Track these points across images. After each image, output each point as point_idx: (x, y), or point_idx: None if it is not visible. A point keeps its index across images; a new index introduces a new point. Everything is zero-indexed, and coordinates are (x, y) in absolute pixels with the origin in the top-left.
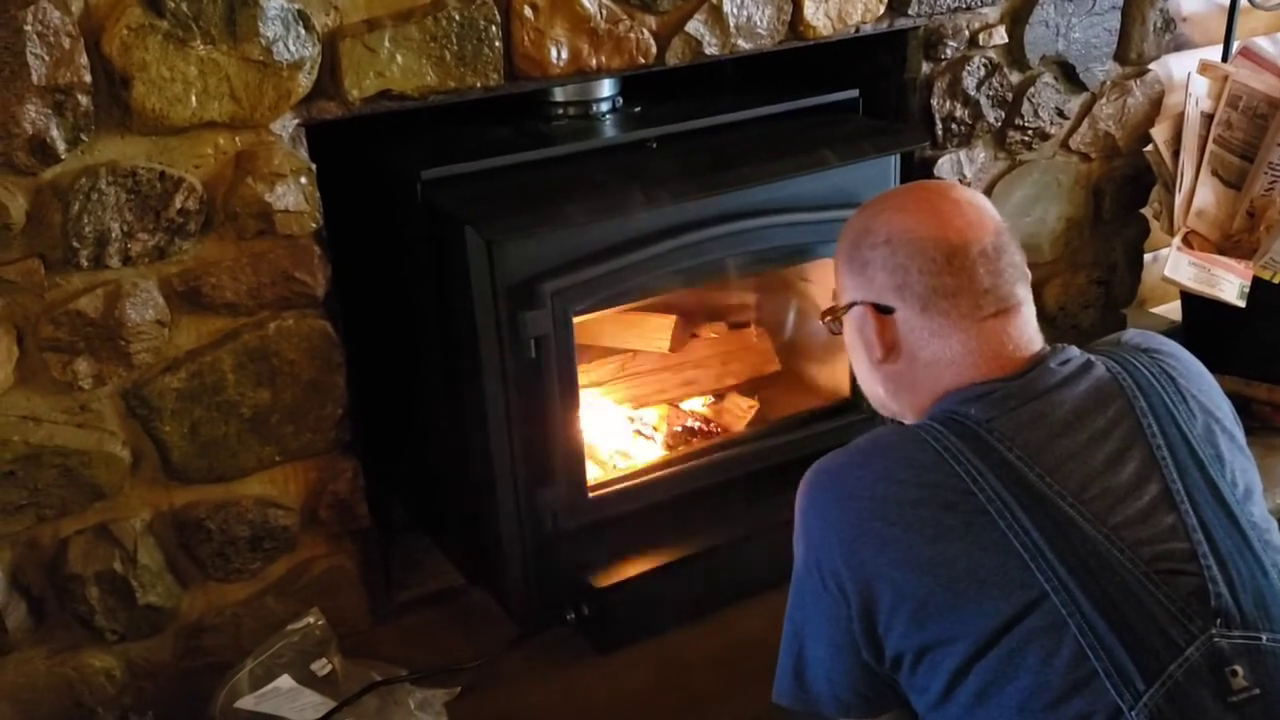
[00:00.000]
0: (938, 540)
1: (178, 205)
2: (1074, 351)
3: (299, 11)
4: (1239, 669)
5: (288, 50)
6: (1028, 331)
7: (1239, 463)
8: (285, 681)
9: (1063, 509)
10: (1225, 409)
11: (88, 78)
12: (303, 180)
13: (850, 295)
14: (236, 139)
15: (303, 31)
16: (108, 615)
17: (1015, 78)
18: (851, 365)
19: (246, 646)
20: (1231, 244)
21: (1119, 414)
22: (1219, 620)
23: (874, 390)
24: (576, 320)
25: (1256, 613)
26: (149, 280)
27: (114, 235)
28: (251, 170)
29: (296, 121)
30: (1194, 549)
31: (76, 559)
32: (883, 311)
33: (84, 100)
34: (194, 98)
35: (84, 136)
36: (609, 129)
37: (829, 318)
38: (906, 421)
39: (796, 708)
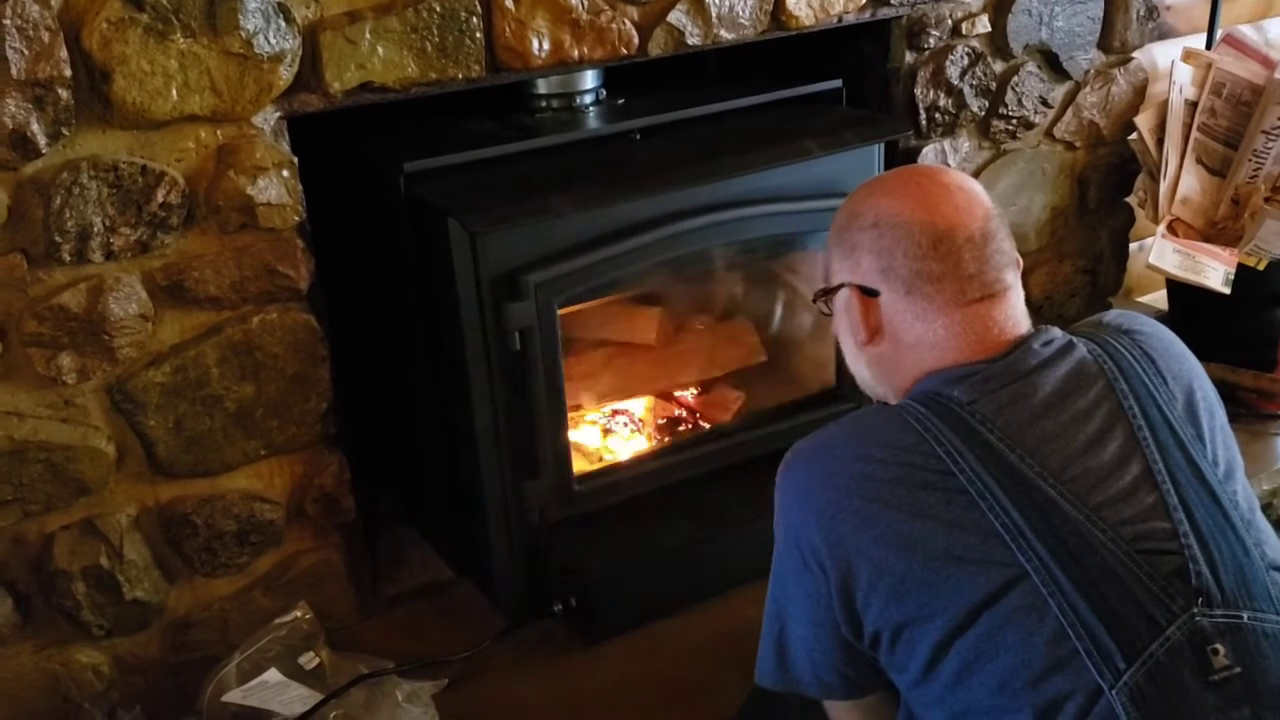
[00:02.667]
0: (916, 518)
1: (160, 199)
2: (1056, 333)
3: (279, 4)
4: (1220, 648)
5: (268, 43)
6: (1014, 316)
7: (1220, 441)
8: (273, 675)
9: (1043, 489)
10: (1206, 387)
11: (68, 72)
12: (285, 173)
13: (839, 277)
14: (218, 132)
15: (283, 24)
16: (94, 611)
17: (999, 67)
18: (840, 348)
19: (234, 641)
20: (1216, 231)
21: (1100, 395)
22: (1200, 599)
23: (860, 373)
24: (561, 312)
25: (1238, 591)
26: (132, 275)
27: (96, 230)
28: (233, 163)
29: (278, 114)
30: (1175, 528)
31: (62, 555)
32: (868, 294)
33: (64, 94)
34: (175, 91)
35: (65, 131)
36: (592, 121)
37: (820, 299)
38: (890, 403)
39: (779, 689)
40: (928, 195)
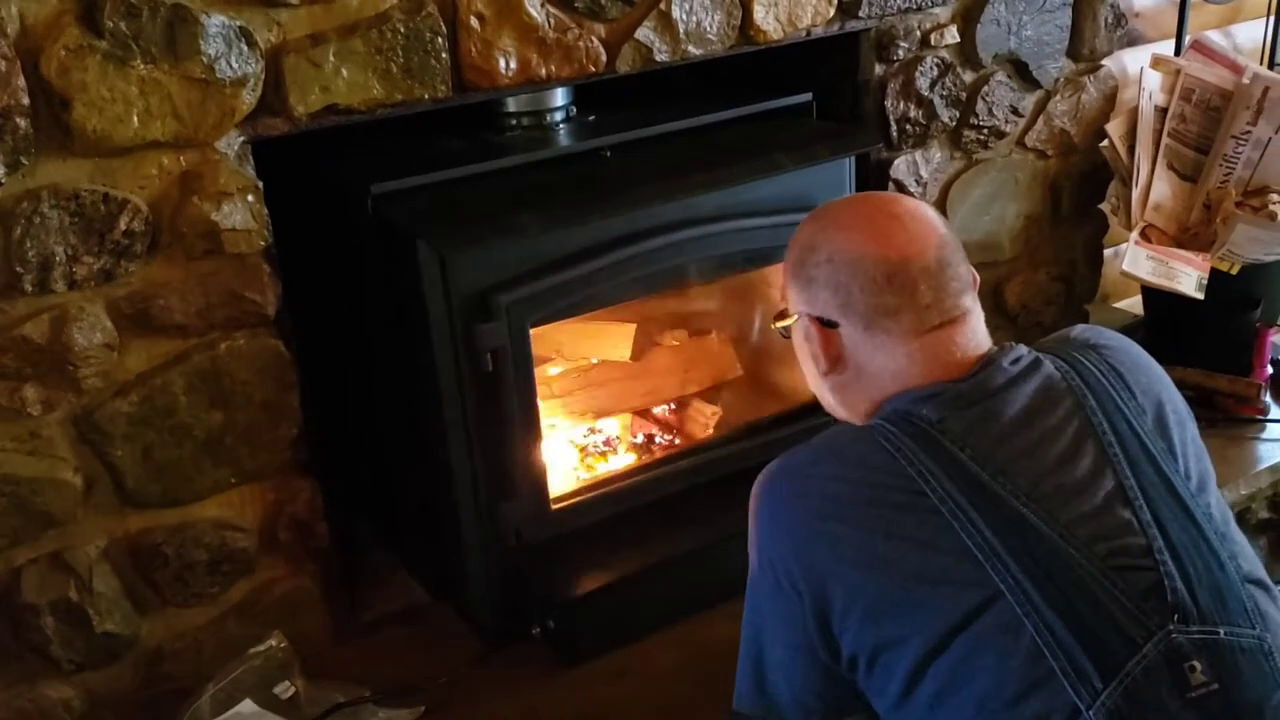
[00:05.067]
0: (889, 539)
1: (123, 227)
2: (1022, 350)
3: (241, 28)
4: (1197, 664)
5: (230, 67)
6: (975, 338)
7: (1192, 454)
8: (247, 706)
9: (1015, 508)
10: (1176, 399)
11: (26, 100)
12: (250, 198)
13: (797, 307)
14: (181, 158)
15: (245, 48)
16: (64, 645)
17: (969, 77)
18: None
19: (208, 671)
20: (1189, 237)
21: (1069, 412)
22: (1176, 616)
23: (824, 397)
24: (535, 331)
25: (1213, 606)
26: (96, 304)
27: (58, 259)
28: (197, 189)
29: (242, 139)
30: (1149, 544)
31: (30, 588)
32: (827, 326)
33: (23, 123)
34: (136, 118)
35: (24, 160)
36: (563, 138)
37: (779, 323)
38: (856, 424)
39: (758, 713)
40: (880, 228)
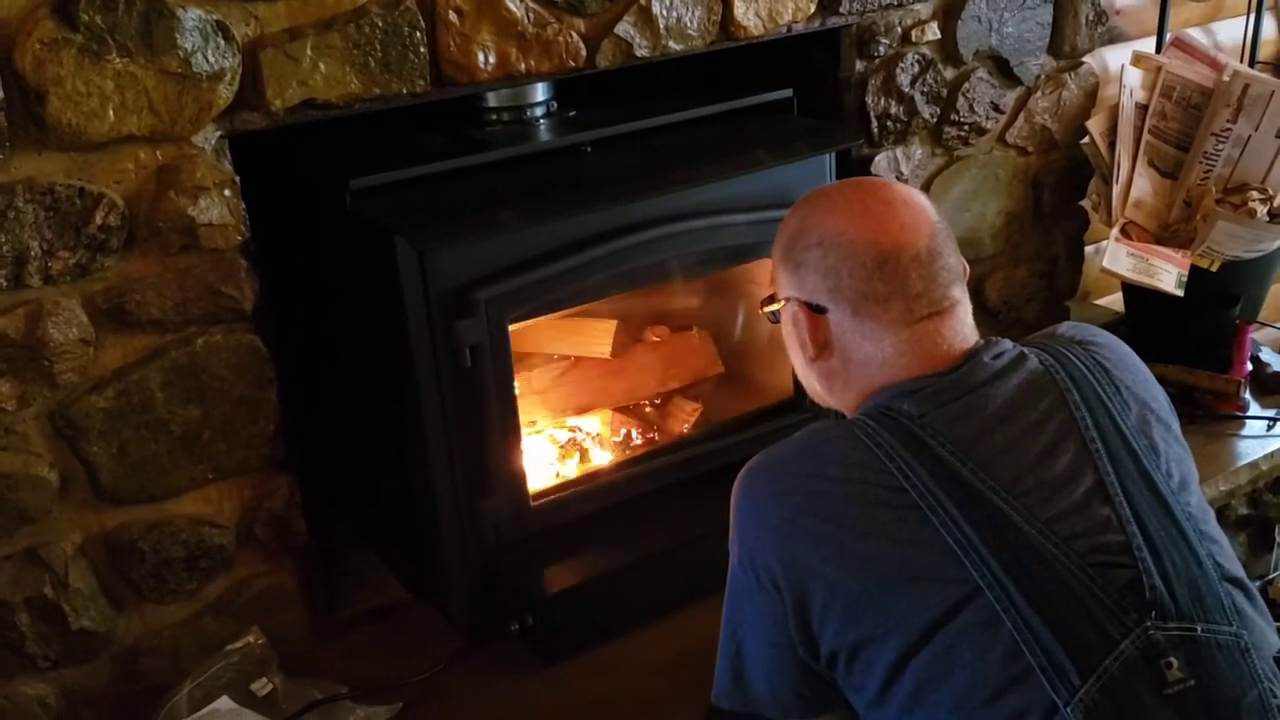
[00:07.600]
0: (869, 536)
1: (98, 221)
2: (1007, 344)
3: (218, 22)
4: (1174, 661)
5: (207, 61)
6: (963, 330)
7: (1174, 452)
8: (224, 703)
9: (995, 504)
10: (1160, 398)
11: (0, 94)
12: (227, 193)
13: (785, 291)
14: (157, 152)
15: (222, 42)
16: (39, 642)
17: (949, 73)
18: (790, 359)
19: (185, 668)
20: (1169, 234)
21: (1052, 407)
22: (1154, 612)
23: (810, 384)
24: (514, 328)
25: (1191, 604)
26: (71, 299)
27: (33, 254)
28: (174, 184)
29: (219, 133)
30: (1128, 541)
31: (4, 585)
32: (815, 311)
33: None
34: (112, 112)
35: None
36: (543, 134)
37: (766, 307)
38: (844, 414)
39: (737, 709)
40: (872, 213)
